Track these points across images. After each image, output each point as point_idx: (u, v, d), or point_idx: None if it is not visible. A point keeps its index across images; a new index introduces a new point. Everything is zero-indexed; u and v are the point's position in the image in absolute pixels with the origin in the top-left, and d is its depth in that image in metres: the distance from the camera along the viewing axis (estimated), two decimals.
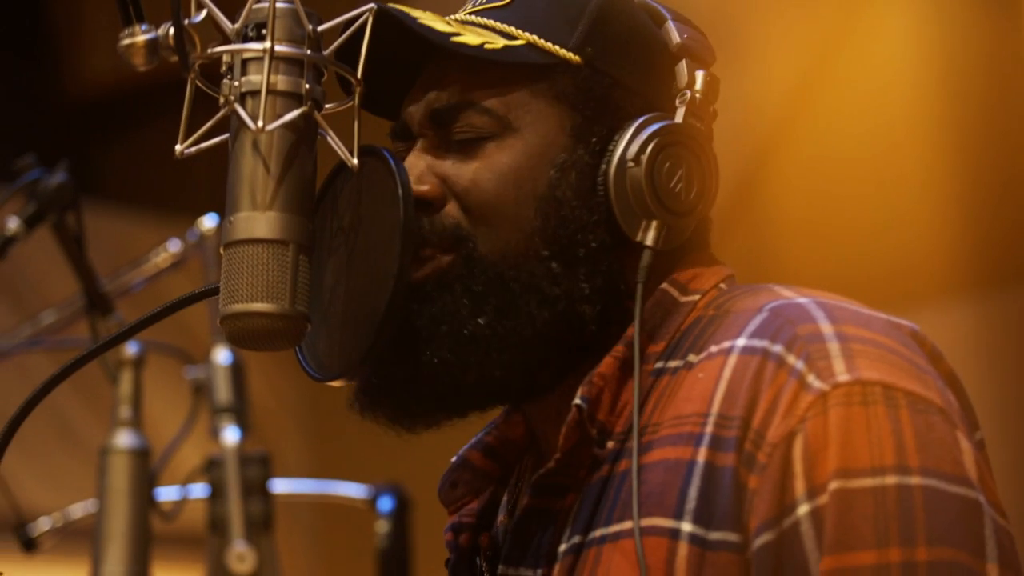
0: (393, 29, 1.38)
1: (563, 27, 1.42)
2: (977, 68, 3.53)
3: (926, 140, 3.53)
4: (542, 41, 1.41)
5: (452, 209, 1.40)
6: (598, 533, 1.34)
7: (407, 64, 1.43)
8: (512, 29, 1.41)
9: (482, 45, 1.39)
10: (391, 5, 1.39)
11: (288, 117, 1.29)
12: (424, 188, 1.40)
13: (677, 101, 1.42)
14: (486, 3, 1.45)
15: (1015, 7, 3.51)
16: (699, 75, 1.43)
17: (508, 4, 1.44)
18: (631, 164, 1.39)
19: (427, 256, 1.40)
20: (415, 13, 1.40)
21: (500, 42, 1.40)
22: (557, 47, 1.41)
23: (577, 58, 1.41)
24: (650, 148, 1.39)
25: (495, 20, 1.42)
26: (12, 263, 2.56)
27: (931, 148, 3.53)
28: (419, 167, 1.41)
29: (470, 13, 1.44)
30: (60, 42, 5.20)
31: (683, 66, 1.43)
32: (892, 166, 3.60)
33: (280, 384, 4.99)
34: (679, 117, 1.41)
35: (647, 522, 1.30)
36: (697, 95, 1.42)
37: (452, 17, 1.44)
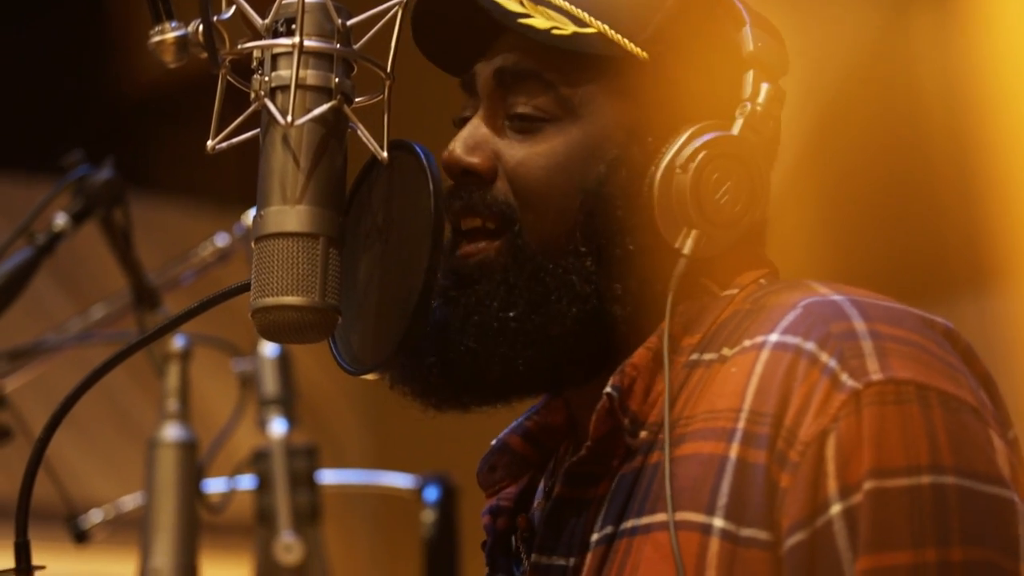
0: (463, 1, 1.39)
1: (637, 20, 1.41)
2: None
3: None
4: (612, 32, 1.40)
5: (502, 187, 1.40)
6: (630, 524, 1.35)
7: (481, 31, 1.43)
8: (585, 15, 1.40)
9: (550, 30, 1.39)
10: None
11: (317, 111, 1.30)
12: (475, 160, 1.41)
13: (737, 112, 1.41)
14: None
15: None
16: (763, 88, 1.41)
17: None
18: (679, 171, 1.38)
19: (468, 226, 1.41)
20: None
21: (570, 28, 1.39)
22: (627, 40, 1.40)
23: (645, 54, 1.40)
24: (700, 157, 1.38)
25: (571, 2, 1.41)
26: (71, 256, 2.59)
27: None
28: (475, 137, 1.42)
29: None
30: (111, 37, 5.24)
31: (750, 76, 1.42)
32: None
33: (339, 372, 4.99)
34: (736, 129, 1.40)
35: (679, 516, 1.30)
36: (758, 108, 1.41)
37: None
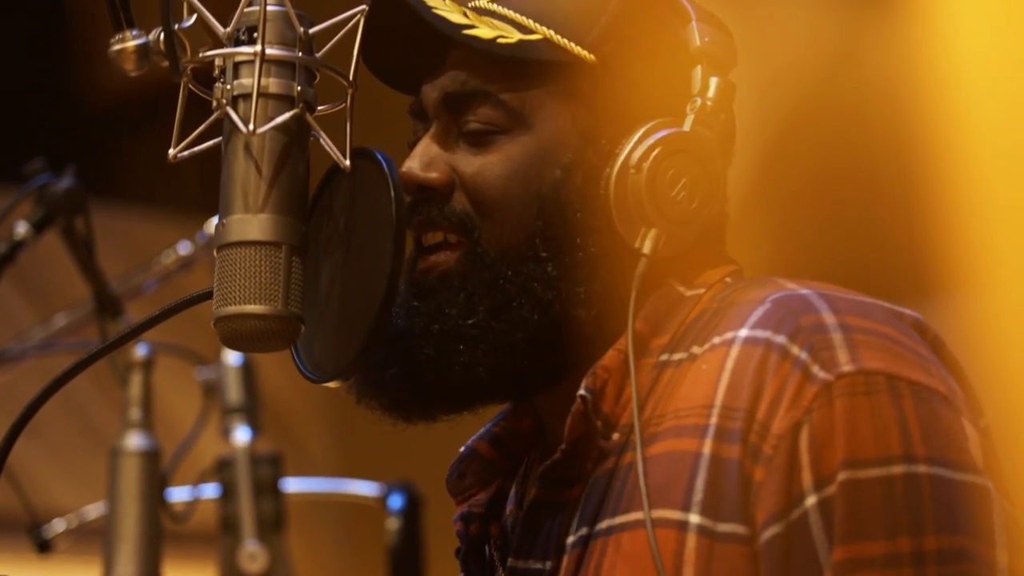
0: (408, 15, 1.39)
1: (582, 23, 1.41)
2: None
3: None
4: (558, 37, 1.40)
5: (460, 199, 1.41)
6: (605, 524, 1.35)
7: (428, 47, 1.43)
8: (530, 22, 1.41)
9: (495, 39, 1.39)
10: None
11: (279, 120, 1.30)
12: (433, 176, 1.41)
13: (688, 108, 1.41)
14: None
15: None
16: (712, 82, 1.41)
17: None
18: (633, 170, 1.38)
19: (429, 241, 1.41)
20: (432, 1, 1.40)
21: (515, 36, 1.40)
22: (573, 44, 1.40)
23: (592, 57, 1.41)
24: (653, 156, 1.38)
25: (515, 10, 1.42)
26: (35, 263, 2.58)
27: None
28: (429, 154, 1.42)
29: (493, 0, 1.44)
30: (73, 45, 5.22)
31: (698, 71, 1.42)
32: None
33: (305, 381, 4.97)
34: (687, 125, 1.40)
35: (655, 514, 1.31)
36: (708, 102, 1.41)
37: (474, 4, 1.44)
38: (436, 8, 1.39)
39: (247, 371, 2.56)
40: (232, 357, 2.56)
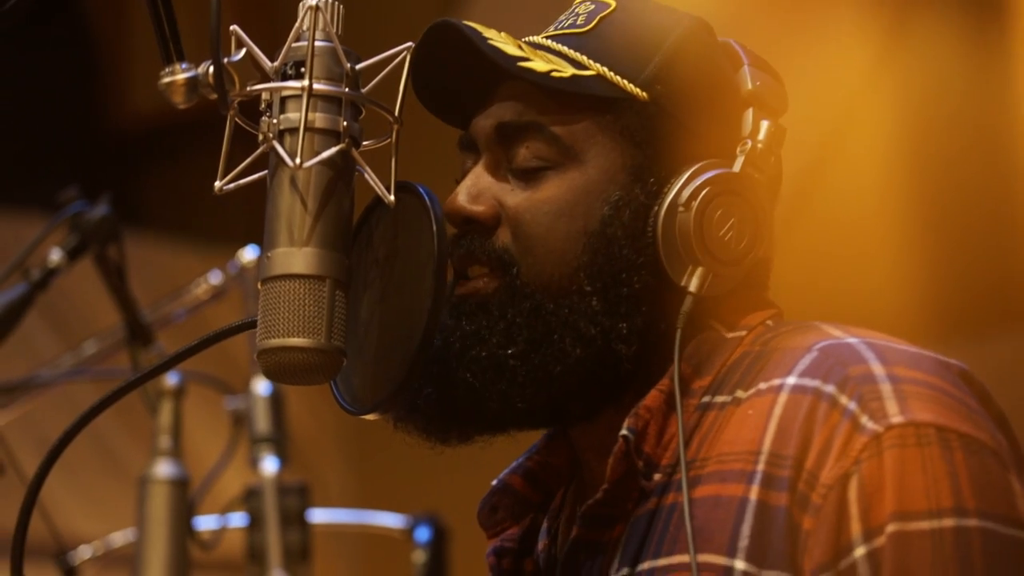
0: (462, 46, 1.40)
1: (636, 61, 1.42)
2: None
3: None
4: (611, 74, 1.41)
5: (503, 234, 1.41)
6: (647, 566, 1.35)
7: (480, 79, 1.44)
8: (584, 59, 1.42)
9: (549, 72, 1.40)
10: (465, 22, 1.41)
11: (325, 154, 1.31)
12: (479, 209, 1.42)
13: (738, 150, 1.42)
14: (567, 28, 1.45)
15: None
16: (764, 125, 1.43)
17: (588, 31, 1.44)
18: (681, 209, 1.39)
19: (473, 275, 1.41)
20: (487, 33, 1.41)
21: (569, 71, 1.41)
22: (625, 81, 1.41)
23: (644, 95, 1.41)
24: (702, 195, 1.39)
25: (570, 47, 1.43)
26: (60, 292, 2.59)
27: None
28: (478, 186, 1.42)
29: (549, 36, 1.45)
30: (107, 74, 5.25)
31: (749, 114, 1.43)
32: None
33: (324, 412, 5.00)
34: (737, 166, 1.41)
35: (699, 558, 1.31)
36: (759, 145, 1.42)
37: (529, 39, 1.45)
38: (492, 40, 1.40)
39: (276, 401, 2.57)
40: (261, 387, 2.57)
